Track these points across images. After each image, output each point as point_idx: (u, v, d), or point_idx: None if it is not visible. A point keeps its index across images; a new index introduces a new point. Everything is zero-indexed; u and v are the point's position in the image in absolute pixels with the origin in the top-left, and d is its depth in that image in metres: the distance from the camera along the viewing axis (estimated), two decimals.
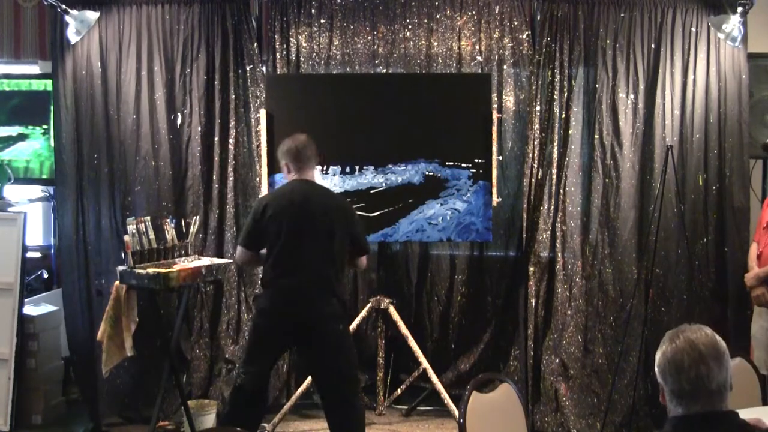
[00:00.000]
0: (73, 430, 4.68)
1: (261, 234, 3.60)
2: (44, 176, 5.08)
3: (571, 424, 4.56)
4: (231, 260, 4.54)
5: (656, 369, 1.89)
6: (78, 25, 4.55)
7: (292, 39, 4.82)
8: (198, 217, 4.50)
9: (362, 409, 3.75)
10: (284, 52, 4.82)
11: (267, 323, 3.66)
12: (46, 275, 5.19)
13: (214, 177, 4.78)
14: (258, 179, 4.68)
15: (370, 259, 4.87)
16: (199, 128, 4.75)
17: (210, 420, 4.44)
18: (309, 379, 4.48)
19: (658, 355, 1.89)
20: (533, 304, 4.65)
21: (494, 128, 4.47)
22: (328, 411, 3.68)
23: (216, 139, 4.77)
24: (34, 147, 5.09)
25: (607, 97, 4.64)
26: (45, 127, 5.05)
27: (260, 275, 4.74)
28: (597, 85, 4.65)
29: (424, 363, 4.48)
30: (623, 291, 4.62)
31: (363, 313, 4.60)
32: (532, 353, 4.66)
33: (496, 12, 4.75)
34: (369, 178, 4.50)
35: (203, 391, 4.77)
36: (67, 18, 4.54)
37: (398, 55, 4.81)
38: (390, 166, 4.49)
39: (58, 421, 4.78)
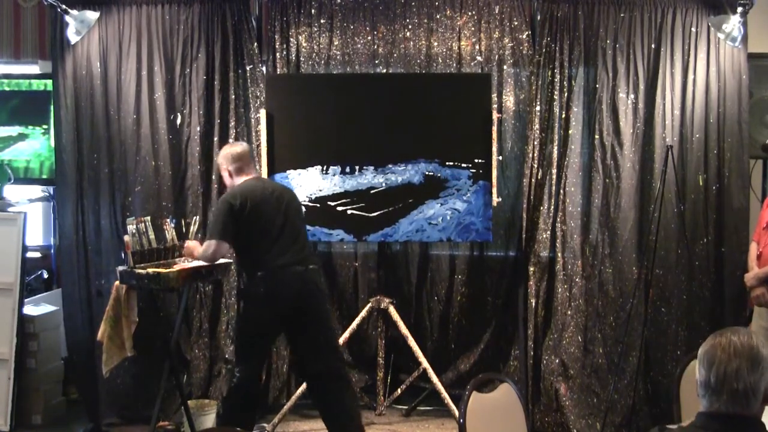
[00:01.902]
0: (73, 430, 4.69)
1: (239, 227, 3.77)
2: (44, 176, 5.09)
3: (571, 424, 4.57)
4: (231, 260, 4.54)
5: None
6: (78, 25, 4.55)
7: (292, 39, 4.82)
8: (198, 217, 4.50)
9: (352, 385, 4.09)
10: (284, 52, 4.82)
11: (264, 309, 3.76)
12: (46, 275, 5.19)
13: (214, 177, 4.77)
14: None
15: (369, 257, 4.93)
16: (199, 128, 4.75)
17: (210, 420, 4.44)
18: None
19: (700, 349, 1.94)
20: (533, 304, 4.65)
21: (494, 128, 4.47)
22: (324, 389, 3.85)
23: (216, 139, 4.77)
24: (34, 147, 5.09)
25: (607, 97, 4.64)
26: (45, 127, 5.05)
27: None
28: (597, 85, 4.65)
29: (424, 363, 4.48)
30: (623, 291, 4.61)
31: (363, 313, 4.60)
32: (532, 353, 4.66)
33: (496, 12, 4.75)
34: (369, 178, 4.50)
35: (203, 391, 4.77)
36: (67, 18, 4.54)
37: (398, 55, 4.81)
38: (390, 166, 4.49)
39: (58, 421, 4.78)
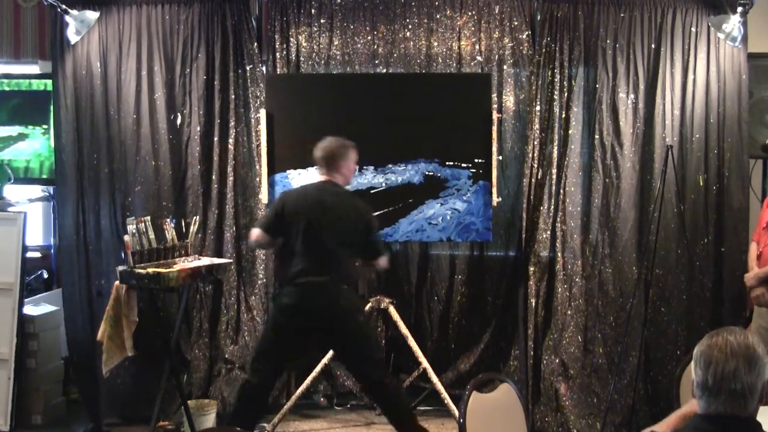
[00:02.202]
0: (73, 430, 4.68)
1: (279, 224, 3.79)
2: (44, 176, 5.09)
3: (571, 424, 4.57)
4: (231, 260, 4.56)
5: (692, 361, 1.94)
6: (78, 25, 4.55)
7: (292, 39, 4.82)
8: (198, 217, 4.51)
9: (394, 384, 4.17)
10: (284, 52, 4.81)
11: (287, 319, 3.79)
12: (46, 275, 5.19)
13: (214, 177, 4.78)
14: (258, 179, 4.68)
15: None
16: (199, 128, 4.75)
17: (210, 420, 4.43)
18: (309, 379, 4.51)
19: (695, 349, 1.92)
20: (533, 304, 4.65)
21: (494, 128, 4.47)
22: (373, 395, 4.13)
23: (216, 139, 4.77)
24: (34, 147, 5.09)
25: (607, 97, 4.64)
26: (45, 127, 5.05)
27: (260, 275, 4.78)
28: (597, 85, 4.65)
29: (424, 363, 4.48)
30: (623, 291, 4.61)
31: None
32: (532, 353, 4.66)
33: (496, 12, 4.75)
34: (369, 178, 4.50)
35: (203, 391, 4.77)
36: (67, 18, 4.54)
37: (398, 55, 4.81)
38: (390, 166, 4.49)
39: (58, 421, 4.78)
